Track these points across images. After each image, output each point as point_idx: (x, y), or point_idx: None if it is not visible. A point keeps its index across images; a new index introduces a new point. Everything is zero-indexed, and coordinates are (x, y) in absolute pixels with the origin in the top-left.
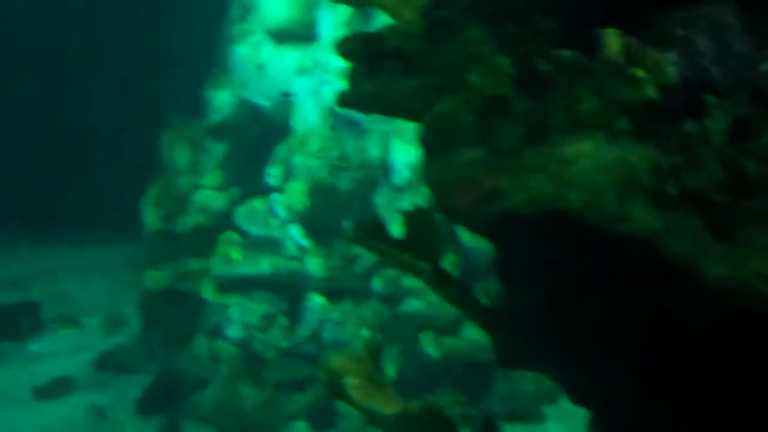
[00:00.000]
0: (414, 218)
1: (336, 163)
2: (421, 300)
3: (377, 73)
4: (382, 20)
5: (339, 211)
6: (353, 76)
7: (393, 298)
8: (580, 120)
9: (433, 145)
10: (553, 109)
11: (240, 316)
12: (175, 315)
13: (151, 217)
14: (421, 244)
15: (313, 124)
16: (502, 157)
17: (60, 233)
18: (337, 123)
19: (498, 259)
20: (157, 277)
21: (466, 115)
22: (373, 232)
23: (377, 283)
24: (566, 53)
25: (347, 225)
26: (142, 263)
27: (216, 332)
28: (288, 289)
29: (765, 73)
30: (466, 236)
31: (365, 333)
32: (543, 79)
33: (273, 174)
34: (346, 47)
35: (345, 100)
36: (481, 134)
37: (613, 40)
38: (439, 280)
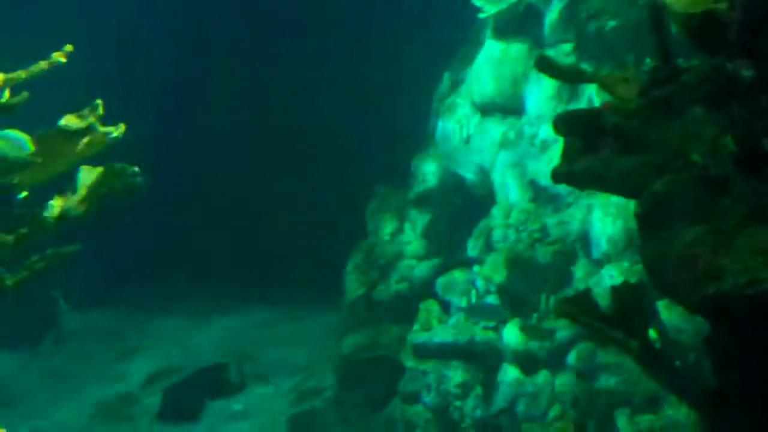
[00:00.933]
0: (623, 294)
1: (535, 236)
2: (616, 375)
3: (593, 150)
4: (587, 95)
5: (536, 284)
6: (568, 152)
7: (588, 372)
8: None
9: (650, 221)
10: None
11: (437, 383)
12: (372, 380)
13: (353, 284)
14: (630, 320)
15: (514, 196)
16: (722, 236)
17: (265, 298)
18: (537, 195)
19: (713, 338)
20: (355, 341)
21: (685, 193)
22: (581, 306)
23: (572, 357)
24: None
25: (545, 297)
26: (342, 329)
27: (413, 398)
28: (484, 359)
29: None
30: (664, 313)
31: (557, 407)
32: (765, 159)
33: (473, 245)
34: (563, 122)
35: (559, 174)
36: (701, 213)
37: None
38: (648, 358)
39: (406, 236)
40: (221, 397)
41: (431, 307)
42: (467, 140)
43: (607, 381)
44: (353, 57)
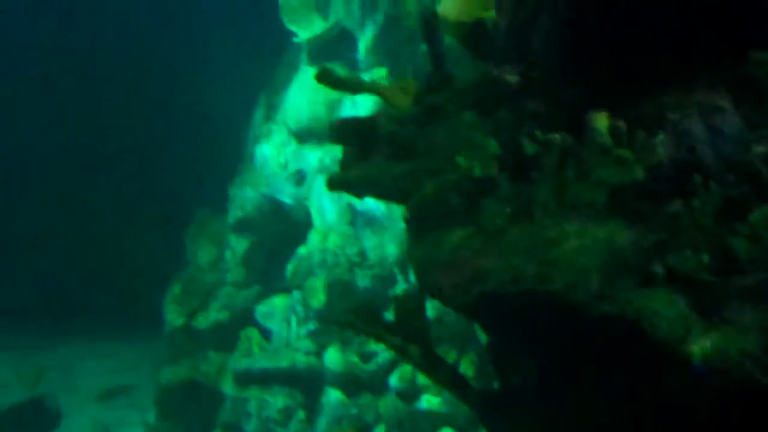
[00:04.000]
0: (403, 301)
1: (354, 260)
2: (438, 396)
3: (369, 157)
4: None
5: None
6: (345, 160)
7: (410, 394)
8: (566, 201)
9: (419, 226)
10: (540, 191)
11: (258, 410)
12: (192, 409)
13: (173, 314)
14: (409, 327)
15: (331, 220)
16: (488, 237)
17: (80, 328)
18: (355, 220)
19: (489, 342)
20: (174, 372)
21: (452, 196)
22: (366, 317)
23: (394, 379)
24: (554, 136)
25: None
26: (162, 359)
27: (233, 427)
28: (306, 384)
29: (759, 155)
30: (483, 335)
31: (381, 429)
32: (530, 162)
33: (292, 271)
34: (337, 131)
35: (335, 182)
36: (467, 215)
37: (601, 122)
38: (429, 364)
39: (226, 263)
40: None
41: (252, 334)
42: (285, 166)
43: (429, 402)
44: (172, 83)
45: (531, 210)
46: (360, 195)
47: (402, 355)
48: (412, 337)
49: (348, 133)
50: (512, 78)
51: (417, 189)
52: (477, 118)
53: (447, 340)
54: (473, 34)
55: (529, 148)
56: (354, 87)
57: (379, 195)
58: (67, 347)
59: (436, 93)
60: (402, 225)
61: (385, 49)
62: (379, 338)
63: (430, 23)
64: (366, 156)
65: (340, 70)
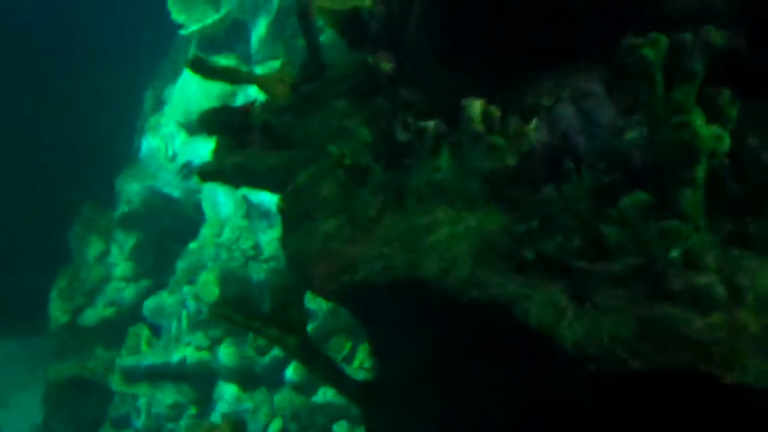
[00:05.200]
0: (280, 292)
1: (249, 254)
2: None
3: (243, 147)
4: None
5: (252, 301)
6: (218, 150)
7: (306, 387)
8: (438, 188)
9: (292, 216)
10: (413, 178)
11: (147, 406)
12: (81, 406)
13: (58, 311)
14: (286, 317)
15: (225, 214)
16: (360, 226)
17: None
18: (250, 213)
19: (367, 333)
20: (62, 368)
21: (325, 185)
22: (238, 307)
23: (290, 372)
24: (428, 123)
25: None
26: (49, 356)
27: (123, 422)
28: (199, 379)
29: (629, 142)
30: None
31: (278, 422)
32: (404, 150)
33: (183, 265)
34: (208, 121)
35: (207, 172)
36: (340, 205)
37: (474, 109)
38: (306, 355)
39: (113, 258)
40: None
41: (141, 330)
42: (173, 158)
43: (325, 395)
44: (55, 71)
45: (403, 198)
46: (235, 184)
47: (280, 345)
48: (289, 329)
49: (220, 123)
50: (387, 66)
51: (291, 178)
52: (351, 107)
53: (342, 330)
54: (348, 22)
55: (402, 135)
56: (230, 76)
57: (254, 185)
58: None
59: (312, 82)
60: None
61: (279, 41)
62: (254, 330)
63: (305, 11)
64: (240, 146)
65: (229, 61)
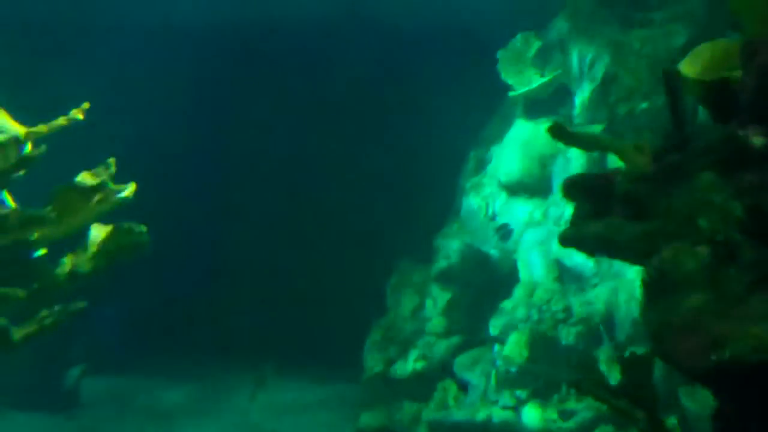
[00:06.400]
0: (631, 364)
1: (559, 317)
2: None
3: (603, 215)
4: None
5: (559, 365)
6: (577, 216)
7: None
8: None
9: (656, 288)
10: None
11: None
12: None
13: (372, 361)
14: (636, 391)
15: (538, 275)
16: (728, 304)
17: (281, 370)
18: (562, 275)
19: (719, 410)
20: (371, 417)
21: (691, 260)
22: (590, 376)
23: None
24: None
25: (568, 378)
26: (359, 406)
27: None
28: None
29: None
30: (687, 401)
31: None
32: None
33: (495, 324)
34: (573, 186)
35: (568, 238)
36: (707, 280)
37: None
38: (654, 430)
39: (427, 312)
40: None
41: (448, 385)
42: (493, 218)
43: None
44: (382, 136)
45: None
46: (593, 253)
47: (627, 419)
48: (638, 402)
49: (582, 189)
50: (758, 140)
51: (653, 250)
52: (717, 180)
53: None
54: (716, 93)
55: None
56: (588, 143)
57: (614, 255)
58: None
59: (676, 152)
60: (611, 283)
61: (602, 107)
62: (604, 401)
63: (673, 80)
64: (598, 213)
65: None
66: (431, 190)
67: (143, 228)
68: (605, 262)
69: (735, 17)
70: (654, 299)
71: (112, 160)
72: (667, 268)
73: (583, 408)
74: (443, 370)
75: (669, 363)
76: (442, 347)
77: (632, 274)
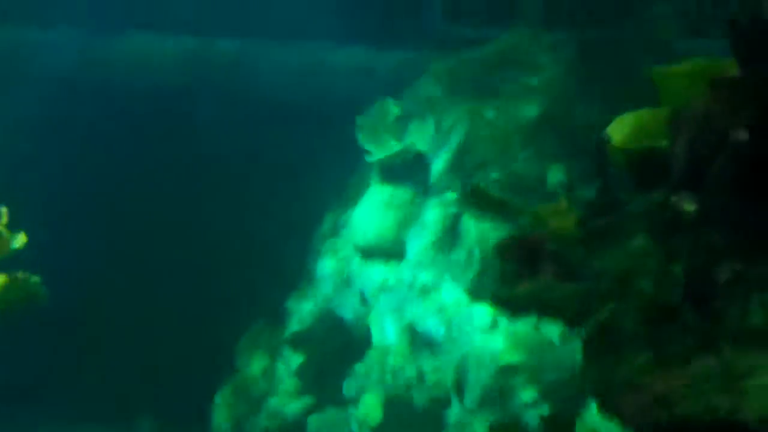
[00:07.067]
0: (551, 424)
1: (412, 382)
2: None
3: (530, 275)
4: (467, 245)
5: (413, 427)
6: (504, 276)
7: None
8: (752, 333)
9: (595, 348)
10: (725, 321)
11: None
12: None
13: (221, 417)
14: None
15: (391, 340)
16: (671, 364)
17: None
18: (415, 340)
19: None
20: None
21: (631, 320)
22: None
23: None
24: (741, 266)
25: None
26: None
27: None
28: None
29: None
30: None
31: None
32: (712, 291)
33: (349, 386)
34: (502, 249)
35: (500, 298)
36: (647, 341)
37: None
38: None
39: (279, 373)
40: None
41: None
42: (347, 282)
43: None
44: (240, 198)
45: (716, 340)
46: (523, 314)
47: None
48: None
49: (510, 251)
50: (690, 207)
51: (587, 311)
52: (651, 244)
53: None
54: (642, 161)
55: (720, 276)
56: (506, 208)
57: (546, 314)
58: None
59: (602, 216)
60: (461, 349)
61: (457, 174)
62: None
63: (602, 148)
64: (526, 275)
65: (409, 192)
66: (287, 252)
67: (37, 278)
68: (455, 328)
69: (658, 88)
70: (594, 357)
71: (3, 210)
72: (606, 327)
73: None
74: (296, 430)
75: (617, 420)
76: (295, 407)
77: (481, 341)
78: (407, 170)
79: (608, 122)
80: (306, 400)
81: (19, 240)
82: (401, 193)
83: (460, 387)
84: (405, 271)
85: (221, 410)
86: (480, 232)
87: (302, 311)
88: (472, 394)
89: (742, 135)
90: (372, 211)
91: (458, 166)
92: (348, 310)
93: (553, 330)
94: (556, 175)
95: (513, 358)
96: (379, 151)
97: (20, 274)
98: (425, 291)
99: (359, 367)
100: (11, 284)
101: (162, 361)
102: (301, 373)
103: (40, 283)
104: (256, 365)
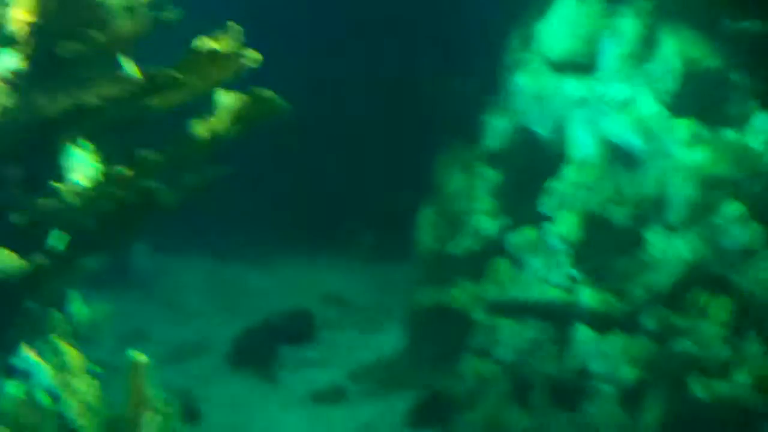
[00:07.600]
0: None
1: (609, 197)
2: (691, 339)
3: None
4: (665, 52)
5: (610, 245)
6: None
7: (662, 335)
8: None
9: None
10: None
11: (509, 338)
12: (443, 333)
13: (426, 237)
14: None
15: (588, 154)
16: None
17: (332, 248)
18: (613, 155)
19: None
20: (427, 295)
21: None
22: None
23: (647, 319)
24: None
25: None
26: (414, 281)
27: (484, 353)
28: (556, 317)
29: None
30: None
31: (630, 369)
32: None
33: (546, 203)
34: None
35: None
36: None
37: None
38: None
39: (477, 192)
40: (296, 344)
41: (503, 264)
42: (540, 97)
43: (681, 344)
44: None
45: None
46: None
47: None
48: None
49: None
50: None
51: None
52: None
53: None
54: None
55: None
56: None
57: None
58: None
59: None
60: (661, 163)
61: None
62: None
63: None
64: None
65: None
66: (473, 66)
67: (274, 94)
68: (655, 141)
69: None
70: None
71: (234, 25)
72: None
73: (636, 288)
74: (496, 248)
75: None
76: (493, 226)
77: (682, 153)
78: None
79: None
80: (504, 219)
81: (254, 56)
82: (591, 2)
83: (660, 201)
84: (599, 84)
85: (425, 230)
86: (679, 41)
87: (497, 127)
88: (674, 209)
89: None
90: (562, 22)
91: None
92: (543, 125)
93: (757, 139)
94: None
95: (718, 169)
96: None
97: (257, 90)
98: (622, 104)
99: (556, 184)
100: (252, 97)
101: (374, 182)
102: (498, 190)
103: (279, 98)
104: (454, 183)
